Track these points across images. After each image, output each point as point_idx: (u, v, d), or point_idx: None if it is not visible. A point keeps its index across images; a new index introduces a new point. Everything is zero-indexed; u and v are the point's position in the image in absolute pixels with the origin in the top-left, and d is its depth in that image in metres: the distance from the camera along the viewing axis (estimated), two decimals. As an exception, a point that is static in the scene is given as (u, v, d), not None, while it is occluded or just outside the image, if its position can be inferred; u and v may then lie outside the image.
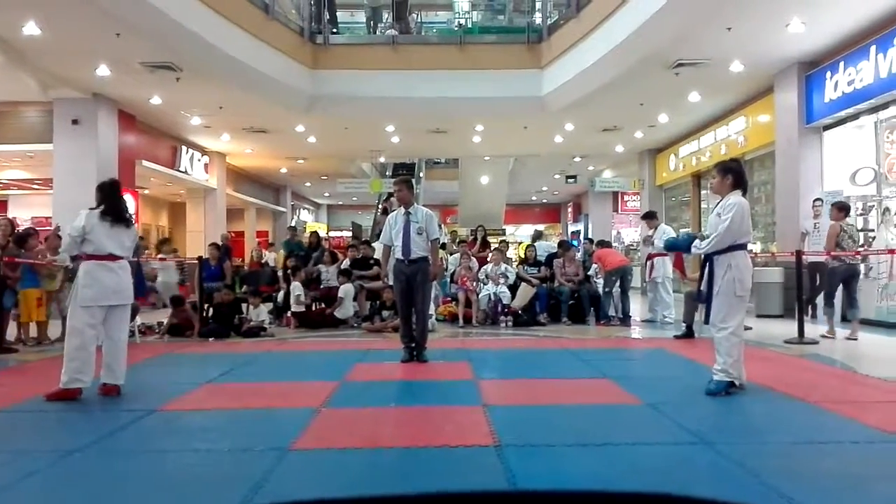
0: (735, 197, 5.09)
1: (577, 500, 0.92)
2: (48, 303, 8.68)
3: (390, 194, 14.59)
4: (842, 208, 8.59)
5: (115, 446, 3.91)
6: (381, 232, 7.54)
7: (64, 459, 3.59)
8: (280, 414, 4.71)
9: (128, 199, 13.40)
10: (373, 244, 11.92)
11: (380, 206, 18.80)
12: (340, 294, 10.22)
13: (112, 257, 5.26)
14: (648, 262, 10.62)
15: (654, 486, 3.16)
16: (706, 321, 5.11)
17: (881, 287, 9.65)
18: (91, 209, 5.33)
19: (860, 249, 8.47)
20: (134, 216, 13.21)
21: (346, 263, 11.31)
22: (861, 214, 10.54)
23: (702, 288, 5.20)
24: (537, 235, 14.00)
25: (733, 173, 5.18)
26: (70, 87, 11.71)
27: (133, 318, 8.80)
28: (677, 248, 5.82)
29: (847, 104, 10.00)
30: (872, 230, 10.19)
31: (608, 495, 0.88)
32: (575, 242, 18.40)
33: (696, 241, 5.14)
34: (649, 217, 11.07)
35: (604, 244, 12.06)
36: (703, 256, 5.28)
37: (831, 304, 8.55)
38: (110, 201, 5.39)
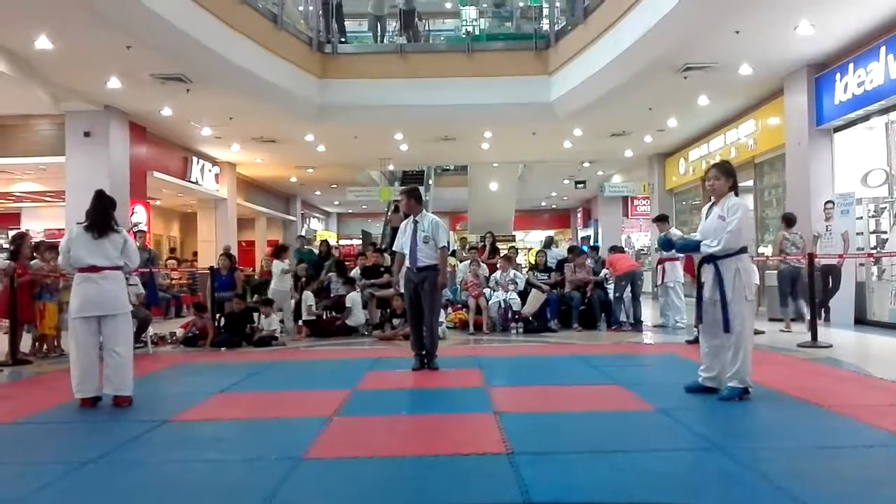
0: (735, 199, 5.10)
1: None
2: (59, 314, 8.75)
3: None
4: (784, 219, 10.02)
5: (128, 457, 3.92)
6: (392, 230, 7.54)
7: (77, 471, 3.61)
8: (292, 423, 4.72)
9: (139, 210, 13.67)
10: (384, 249, 11.89)
11: (391, 205, 18.81)
12: (348, 303, 10.23)
13: (94, 269, 5.24)
14: (659, 267, 10.58)
15: (667, 492, 3.15)
16: (726, 329, 4.96)
17: (894, 289, 9.57)
18: (77, 223, 5.39)
19: (797, 254, 9.48)
20: (130, 225, 13.29)
21: (356, 272, 11.34)
22: (873, 216, 10.47)
23: (709, 295, 5.08)
24: (549, 241, 13.96)
25: (733, 175, 5.21)
26: (81, 100, 11.82)
27: (145, 328, 8.86)
28: (688, 248, 5.75)
29: (857, 106, 9.95)
30: (885, 232, 10.12)
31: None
32: (585, 248, 18.34)
33: (707, 241, 5.09)
34: (661, 220, 11.03)
35: (616, 249, 12.00)
36: (698, 261, 5.27)
37: (786, 304, 9.68)
38: (94, 213, 5.40)
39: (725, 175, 5.17)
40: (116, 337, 5.28)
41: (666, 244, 6.18)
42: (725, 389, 5.00)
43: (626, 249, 17.09)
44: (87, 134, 12.30)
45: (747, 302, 5.00)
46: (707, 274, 5.12)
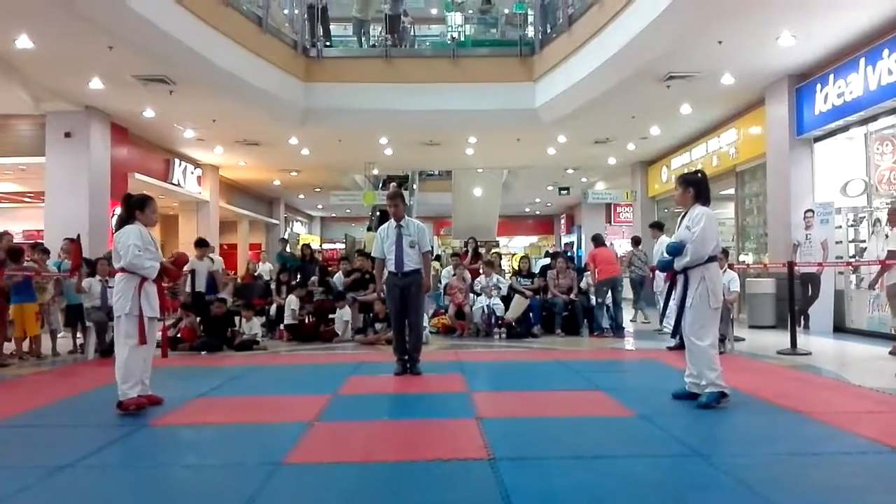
0: (700, 208, 5.16)
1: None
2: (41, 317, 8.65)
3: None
4: (633, 240, 13.91)
5: (107, 461, 3.88)
6: (382, 214, 7.44)
7: (55, 475, 3.56)
8: (272, 428, 4.68)
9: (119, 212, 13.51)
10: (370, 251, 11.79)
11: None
12: (337, 322, 10.15)
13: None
14: (654, 274, 10.70)
15: (647, 498, 3.17)
16: (673, 334, 5.16)
17: (872, 297, 9.68)
18: None
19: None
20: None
21: (338, 276, 11.25)
22: (852, 225, 10.60)
23: (678, 302, 5.22)
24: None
25: (694, 185, 5.26)
26: (62, 100, 11.69)
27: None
28: (669, 267, 5.67)
29: (837, 116, 10.07)
30: (864, 241, 10.24)
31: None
32: (569, 254, 18.38)
33: (678, 258, 5.18)
34: (656, 227, 11.23)
35: (598, 241, 11.24)
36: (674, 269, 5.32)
37: (637, 301, 13.19)
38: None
39: (684, 185, 5.28)
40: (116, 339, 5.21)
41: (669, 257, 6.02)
42: (703, 395, 5.06)
43: (608, 243, 16.79)
44: (67, 135, 12.17)
45: (711, 310, 5.09)
46: (679, 283, 5.26)
